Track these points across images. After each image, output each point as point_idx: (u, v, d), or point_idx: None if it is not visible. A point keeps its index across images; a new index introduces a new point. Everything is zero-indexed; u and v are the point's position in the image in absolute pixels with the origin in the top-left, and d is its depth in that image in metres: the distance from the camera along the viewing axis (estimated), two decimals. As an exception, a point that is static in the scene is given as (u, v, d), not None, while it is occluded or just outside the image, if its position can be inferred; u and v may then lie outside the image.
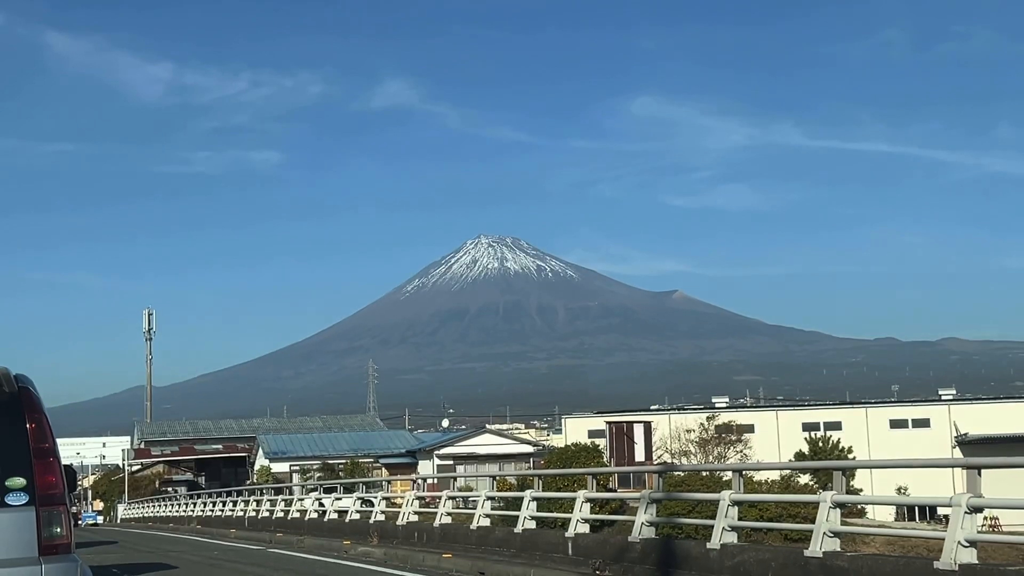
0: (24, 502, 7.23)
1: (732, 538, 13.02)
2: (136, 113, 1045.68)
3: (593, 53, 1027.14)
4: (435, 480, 50.75)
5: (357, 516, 26.03)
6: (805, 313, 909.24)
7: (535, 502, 18.06)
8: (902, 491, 61.98)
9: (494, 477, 22.96)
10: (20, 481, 7.27)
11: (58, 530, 7.32)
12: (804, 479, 53.77)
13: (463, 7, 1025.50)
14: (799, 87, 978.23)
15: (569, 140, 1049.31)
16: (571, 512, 16.62)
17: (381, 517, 24.32)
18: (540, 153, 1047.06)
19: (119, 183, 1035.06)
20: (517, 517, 18.12)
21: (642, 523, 14.77)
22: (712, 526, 13.26)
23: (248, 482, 76.79)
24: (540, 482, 19.83)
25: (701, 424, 66.85)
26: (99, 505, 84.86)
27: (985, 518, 57.42)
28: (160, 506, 56.20)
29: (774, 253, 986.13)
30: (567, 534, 16.18)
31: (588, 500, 16.61)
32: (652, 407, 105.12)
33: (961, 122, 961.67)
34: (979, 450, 70.83)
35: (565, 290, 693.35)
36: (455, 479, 24.02)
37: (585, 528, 16.35)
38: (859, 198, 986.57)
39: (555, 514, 18.99)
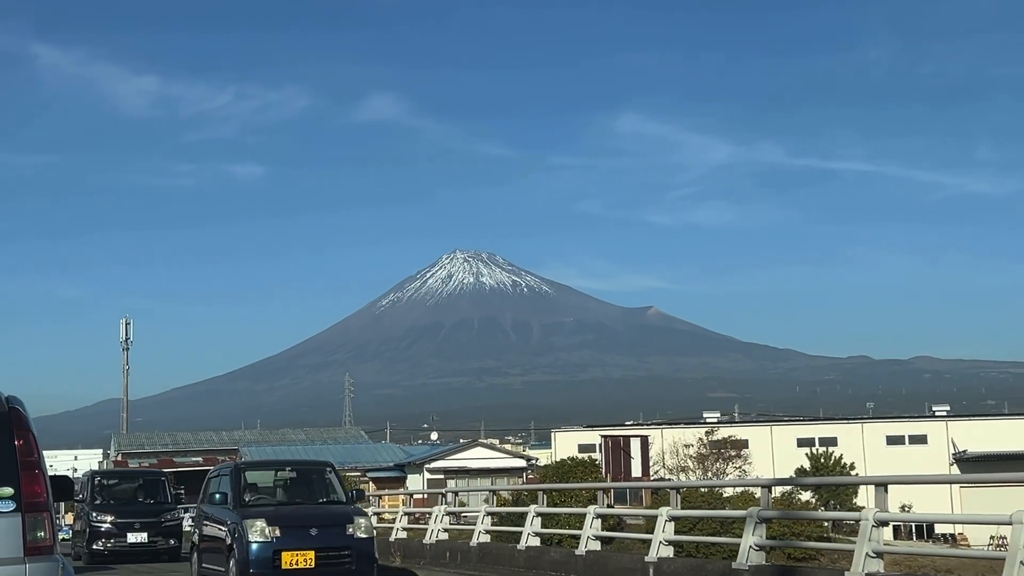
0: (11, 509, 8.22)
1: (878, 566, 10.91)
2: (121, 125, 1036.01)
3: (578, 70, 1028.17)
4: (424, 496, 48.95)
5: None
6: (779, 330, 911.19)
7: (599, 519, 16.22)
8: (905, 508, 60.50)
9: (530, 493, 21.16)
10: (8, 490, 8.25)
11: (41, 534, 8.30)
12: (805, 496, 52.36)
13: (450, 23, 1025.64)
14: (781, 106, 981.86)
15: (552, 156, 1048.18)
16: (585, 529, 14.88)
17: (403, 535, 22.45)
18: (522, 168, 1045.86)
19: (101, 194, 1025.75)
20: (577, 536, 16.31)
21: (750, 546, 13.01)
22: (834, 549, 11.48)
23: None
24: (605, 497, 17.99)
25: (700, 439, 65.35)
26: (71, 519, 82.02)
27: (992, 537, 56.26)
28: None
29: (751, 270, 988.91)
30: (647, 558, 14.38)
31: (672, 519, 14.85)
32: (627, 422, 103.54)
33: (941, 143, 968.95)
34: (978, 467, 69.75)
35: (540, 306, 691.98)
36: (494, 492, 22.17)
37: (669, 551, 14.58)
38: (837, 216, 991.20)
39: (627, 534, 17.23)
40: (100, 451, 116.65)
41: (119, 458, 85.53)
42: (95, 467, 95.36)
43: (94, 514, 24.78)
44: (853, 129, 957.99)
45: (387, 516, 32.09)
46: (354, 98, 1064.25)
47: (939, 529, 68.73)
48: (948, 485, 68.30)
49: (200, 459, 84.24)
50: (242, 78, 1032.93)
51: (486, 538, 20.36)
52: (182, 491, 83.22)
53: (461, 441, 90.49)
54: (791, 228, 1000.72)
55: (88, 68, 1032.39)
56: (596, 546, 16.07)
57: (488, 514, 21.05)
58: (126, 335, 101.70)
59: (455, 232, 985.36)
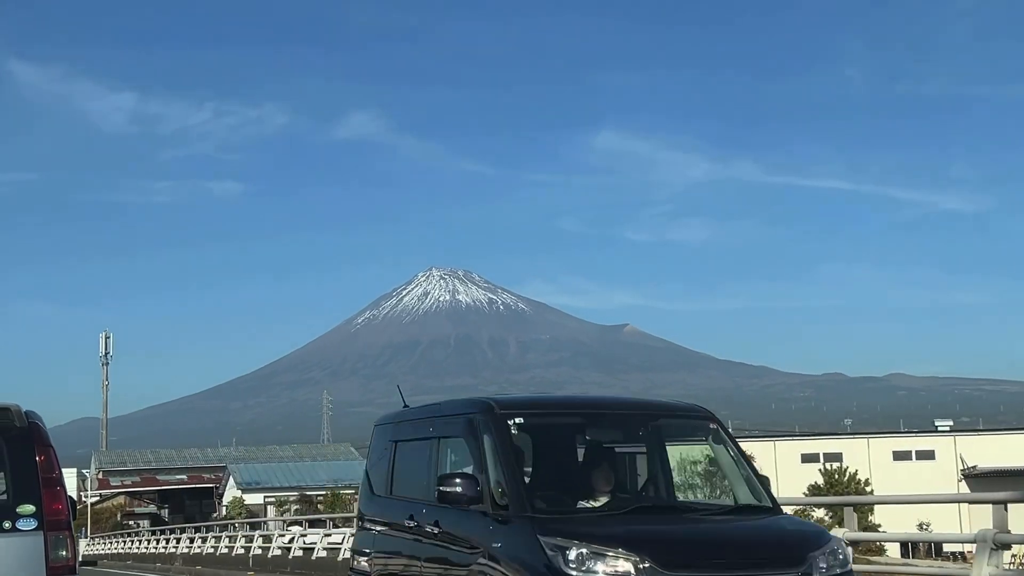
0: (33, 527, 7.93)
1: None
2: (98, 142, 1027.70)
3: (557, 87, 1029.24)
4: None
5: None
6: (754, 348, 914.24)
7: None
8: (924, 527, 58.71)
9: None
10: (30, 508, 7.96)
11: (63, 553, 8.01)
12: (818, 514, 50.49)
13: (429, 41, 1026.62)
14: (758, 124, 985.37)
15: (530, 173, 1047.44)
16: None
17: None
18: (501, 186, 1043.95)
19: (79, 212, 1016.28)
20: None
21: (988, 578, 10.20)
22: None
23: (214, 515, 71.97)
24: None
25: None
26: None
27: (1013, 556, 54.59)
28: (132, 542, 51.26)
29: (727, 288, 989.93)
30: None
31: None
32: None
33: (916, 161, 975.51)
34: (989, 484, 68.20)
35: (516, 323, 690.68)
36: None
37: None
38: (814, 234, 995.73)
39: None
40: (75, 470, 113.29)
41: (100, 476, 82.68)
42: (79, 483, 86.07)
43: (573, 553, 7.14)
44: (829, 146, 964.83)
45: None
46: (333, 115, 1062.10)
47: (947, 548, 67.12)
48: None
49: (184, 476, 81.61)
50: (220, 95, 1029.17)
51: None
52: (165, 509, 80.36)
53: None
54: (767, 245, 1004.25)
55: (65, 85, 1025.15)
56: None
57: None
58: (106, 349, 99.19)
59: (431, 249, 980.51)
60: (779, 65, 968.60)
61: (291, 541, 29.82)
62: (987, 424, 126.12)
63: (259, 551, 31.01)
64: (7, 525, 7.95)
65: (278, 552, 29.57)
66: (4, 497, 8.09)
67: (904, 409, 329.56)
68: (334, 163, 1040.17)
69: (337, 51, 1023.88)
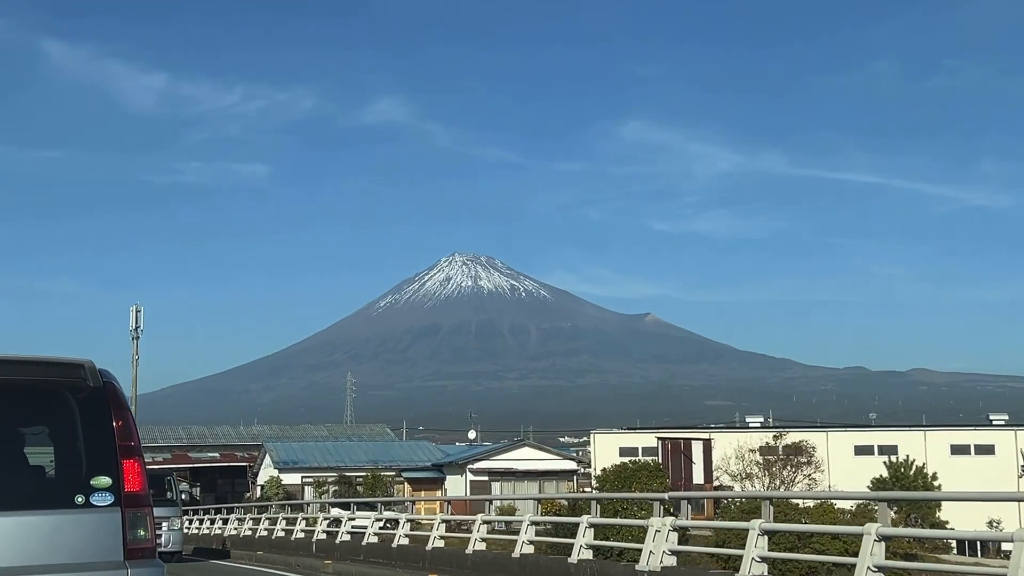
0: (110, 503, 6.87)
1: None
2: (128, 122, 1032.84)
3: (586, 77, 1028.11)
4: (468, 501, 44.61)
5: (531, 549, 19.72)
6: (777, 340, 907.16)
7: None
8: (994, 524, 56.12)
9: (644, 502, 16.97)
10: (106, 481, 6.89)
11: (142, 533, 6.98)
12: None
13: (459, 27, 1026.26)
14: (787, 116, 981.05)
15: (558, 162, 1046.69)
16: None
17: (588, 555, 17.89)
18: (528, 174, 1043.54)
19: (106, 191, 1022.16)
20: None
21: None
22: None
23: (247, 495, 70.13)
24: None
25: (767, 443, 60.93)
26: None
27: None
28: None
29: (752, 280, 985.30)
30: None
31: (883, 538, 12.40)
32: (615, 429, 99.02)
33: (945, 155, 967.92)
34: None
35: (538, 310, 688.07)
36: (594, 501, 19.61)
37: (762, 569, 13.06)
38: (840, 227, 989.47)
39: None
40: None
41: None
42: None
43: None
44: (857, 140, 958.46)
45: (424, 522, 28.14)
46: (361, 100, 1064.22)
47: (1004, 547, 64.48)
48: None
49: (217, 454, 79.68)
50: (250, 78, 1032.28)
51: (529, 549, 19.55)
52: (197, 487, 78.80)
53: (453, 442, 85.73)
54: (792, 238, 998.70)
55: (96, 64, 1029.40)
56: (672, 561, 15.53)
57: (532, 523, 20.16)
58: (136, 323, 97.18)
59: (455, 235, 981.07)
60: (808, 58, 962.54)
61: (343, 525, 27.57)
62: (1011, 422, 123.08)
63: (323, 536, 28.81)
64: (80, 499, 6.78)
65: (347, 538, 27.33)
66: (70, 468, 6.92)
67: (927, 405, 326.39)
68: (361, 147, 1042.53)
69: (366, 36, 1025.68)
